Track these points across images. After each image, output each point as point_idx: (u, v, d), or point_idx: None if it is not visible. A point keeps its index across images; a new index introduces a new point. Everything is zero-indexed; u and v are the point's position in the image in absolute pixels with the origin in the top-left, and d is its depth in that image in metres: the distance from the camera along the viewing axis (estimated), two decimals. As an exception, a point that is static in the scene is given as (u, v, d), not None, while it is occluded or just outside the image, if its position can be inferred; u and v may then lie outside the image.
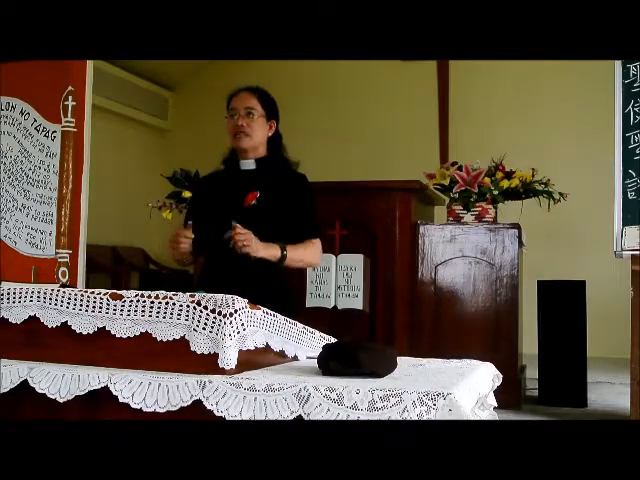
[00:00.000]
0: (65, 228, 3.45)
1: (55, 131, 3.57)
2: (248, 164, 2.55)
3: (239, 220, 2.43)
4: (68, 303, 1.67)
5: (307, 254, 2.52)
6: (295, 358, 1.83)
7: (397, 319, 4.34)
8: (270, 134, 2.57)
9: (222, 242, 2.47)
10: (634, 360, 3.38)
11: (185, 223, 2.65)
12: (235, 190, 2.52)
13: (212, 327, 1.53)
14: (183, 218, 2.79)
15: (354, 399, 1.38)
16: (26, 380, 1.59)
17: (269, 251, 2.39)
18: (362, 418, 1.37)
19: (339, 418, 1.37)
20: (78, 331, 1.65)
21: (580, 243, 7.00)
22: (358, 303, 4.31)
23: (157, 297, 1.61)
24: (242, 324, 1.55)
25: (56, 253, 3.45)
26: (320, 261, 2.62)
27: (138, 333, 1.60)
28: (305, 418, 1.40)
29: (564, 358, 4.44)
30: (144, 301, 1.61)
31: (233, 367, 1.53)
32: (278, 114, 2.60)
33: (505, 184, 4.41)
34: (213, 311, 1.54)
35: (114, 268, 7.55)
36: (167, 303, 1.59)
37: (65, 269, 3.41)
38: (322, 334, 1.96)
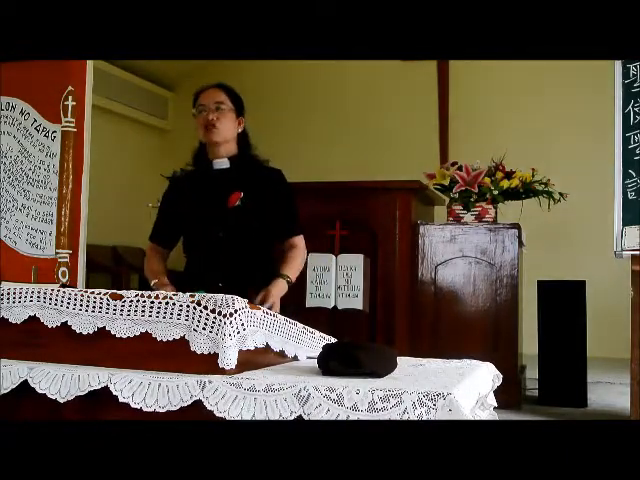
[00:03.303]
0: (65, 228, 3.44)
1: (55, 131, 3.57)
2: (221, 163, 2.54)
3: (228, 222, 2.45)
4: (68, 303, 1.67)
5: (299, 262, 2.53)
6: (295, 358, 1.83)
7: (397, 319, 4.34)
8: (239, 130, 2.57)
9: (209, 243, 2.48)
10: (634, 360, 3.38)
11: (157, 222, 2.66)
12: (214, 190, 2.51)
13: (212, 327, 1.53)
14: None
15: (354, 399, 1.38)
16: (26, 380, 1.59)
17: (281, 292, 2.40)
18: (362, 418, 1.37)
19: (339, 418, 1.37)
20: (78, 331, 1.65)
21: (580, 243, 7.00)
22: (358, 303, 4.31)
23: (157, 297, 1.61)
24: (242, 324, 1.55)
25: (56, 253, 3.44)
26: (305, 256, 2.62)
27: (138, 333, 1.60)
28: (305, 418, 1.40)
29: (564, 358, 4.44)
30: (144, 301, 1.61)
31: (233, 367, 1.53)
32: (244, 111, 2.60)
33: (505, 184, 4.41)
34: (213, 311, 1.54)
35: (114, 268, 7.55)
36: (167, 303, 1.59)
37: (65, 269, 3.40)
38: (322, 334, 1.96)
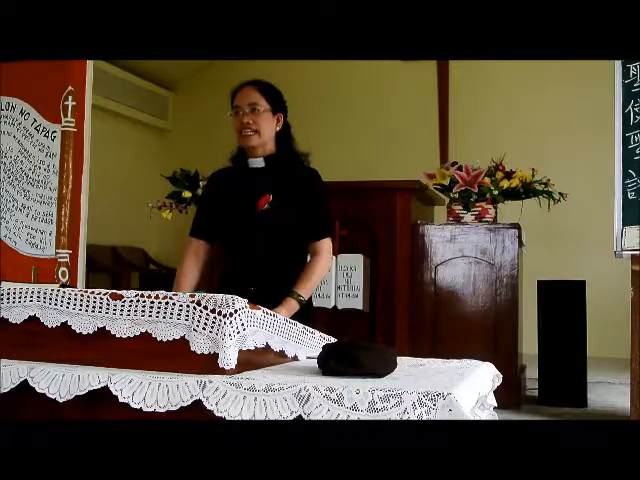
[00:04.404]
0: (65, 228, 3.45)
1: (55, 131, 3.56)
2: (257, 162, 2.48)
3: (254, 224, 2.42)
4: (68, 303, 1.67)
5: (317, 275, 2.43)
6: (295, 358, 1.83)
7: (397, 319, 4.34)
8: (278, 128, 2.49)
9: (239, 244, 2.46)
10: (634, 360, 3.38)
11: (197, 216, 2.61)
12: (246, 191, 2.46)
13: (212, 327, 1.53)
14: (185, 218, 2.78)
15: (354, 399, 1.38)
16: (26, 380, 1.59)
17: (290, 314, 2.29)
18: (362, 418, 1.37)
19: (339, 418, 1.37)
20: (78, 331, 1.65)
21: (580, 243, 7.00)
22: (358, 303, 4.31)
23: (157, 297, 1.61)
24: (242, 324, 1.55)
25: (56, 253, 3.45)
26: (331, 261, 2.56)
27: (138, 333, 1.60)
28: (305, 418, 1.40)
29: (564, 358, 4.44)
30: (144, 301, 1.61)
31: (233, 367, 1.53)
32: (285, 106, 2.52)
33: (505, 184, 4.41)
34: (213, 311, 1.54)
35: (114, 268, 7.55)
36: (167, 303, 1.59)
37: (65, 269, 3.41)
38: (322, 334, 1.96)
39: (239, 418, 1.43)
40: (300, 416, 1.40)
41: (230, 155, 2.59)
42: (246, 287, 2.35)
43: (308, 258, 2.49)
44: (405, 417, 1.35)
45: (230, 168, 2.59)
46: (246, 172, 2.50)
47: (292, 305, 2.34)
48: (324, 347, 1.66)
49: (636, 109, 3.43)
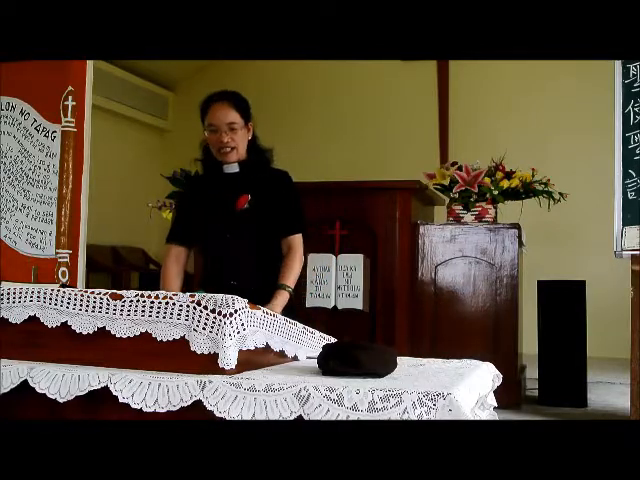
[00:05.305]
0: (65, 228, 3.45)
1: (55, 131, 3.56)
2: (231, 168, 2.55)
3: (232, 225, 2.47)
4: (68, 303, 1.68)
5: (297, 268, 2.51)
6: (295, 358, 1.83)
7: (397, 319, 4.34)
8: (250, 137, 2.57)
9: (218, 245, 2.52)
10: (634, 360, 3.38)
11: (175, 222, 2.66)
12: (224, 194, 2.54)
13: (212, 327, 1.53)
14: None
15: (354, 399, 1.38)
16: (26, 380, 1.59)
17: (284, 304, 2.41)
18: (362, 418, 1.37)
19: (339, 418, 1.37)
20: (78, 331, 1.65)
21: (580, 243, 7.00)
22: (358, 303, 4.31)
23: (157, 297, 1.61)
24: (242, 324, 1.55)
25: (56, 253, 3.45)
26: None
27: (138, 333, 1.60)
28: (305, 418, 1.40)
29: (564, 358, 4.44)
30: (144, 301, 1.61)
31: (233, 367, 1.53)
32: (251, 111, 2.58)
33: (505, 184, 4.41)
34: (213, 311, 1.54)
35: (114, 268, 7.56)
36: (167, 303, 1.59)
37: (65, 269, 3.41)
38: (322, 334, 1.97)
39: (239, 418, 1.43)
40: (300, 416, 1.40)
41: (197, 160, 2.63)
42: (227, 283, 2.41)
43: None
44: (405, 417, 1.35)
45: (203, 175, 2.67)
46: (221, 177, 2.56)
47: (285, 297, 2.43)
48: (324, 347, 1.66)
49: (636, 109, 3.43)
